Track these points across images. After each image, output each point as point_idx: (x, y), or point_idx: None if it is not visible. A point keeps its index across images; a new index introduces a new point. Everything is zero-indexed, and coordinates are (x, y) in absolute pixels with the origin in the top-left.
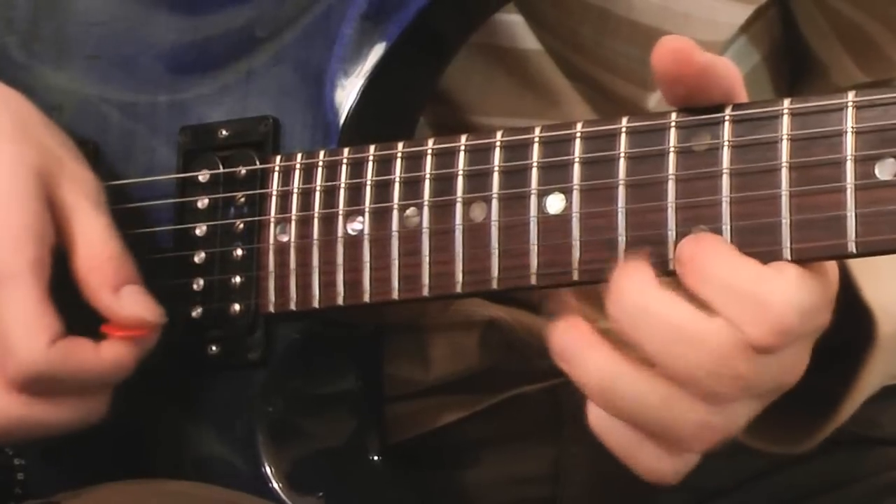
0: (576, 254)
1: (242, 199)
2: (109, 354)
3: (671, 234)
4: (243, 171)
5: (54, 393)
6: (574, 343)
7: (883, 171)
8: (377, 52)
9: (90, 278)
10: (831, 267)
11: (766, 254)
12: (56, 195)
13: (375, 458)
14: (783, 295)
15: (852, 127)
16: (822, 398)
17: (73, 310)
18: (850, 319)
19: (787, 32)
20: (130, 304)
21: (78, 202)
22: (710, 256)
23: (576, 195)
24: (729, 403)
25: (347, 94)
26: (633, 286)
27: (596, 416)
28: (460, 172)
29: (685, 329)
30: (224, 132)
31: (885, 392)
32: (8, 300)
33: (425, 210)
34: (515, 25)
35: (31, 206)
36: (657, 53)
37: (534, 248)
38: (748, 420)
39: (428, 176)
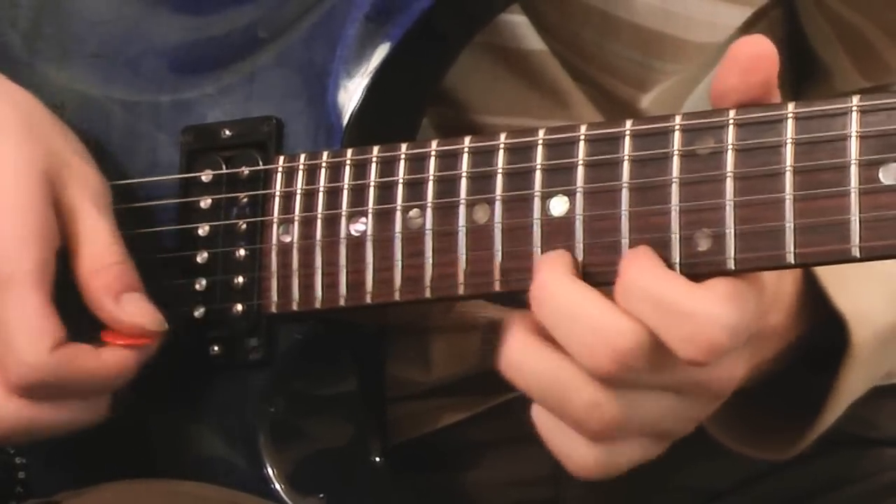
0: (579, 256)
1: (245, 200)
2: (111, 361)
3: (675, 237)
4: (246, 171)
5: (56, 397)
6: (509, 324)
7: (887, 176)
8: (381, 52)
9: (92, 283)
10: (769, 275)
11: (770, 258)
12: (62, 197)
13: (377, 459)
14: (711, 312)
15: (857, 131)
16: (807, 404)
17: (76, 311)
18: (826, 327)
19: (792, 35)
20: (131, 311)
21: (83, 205)
22: (639, 270)
23: (579, 198)
24: (626, 389)
25: (351, 94)
26: (547, 268)
27: (534, 407)
28: (464, 174)
29: (582, 309)
30: (227, 132)
31: (881, 392)
32: (11, 304)
33: (428, 211)
34: (520, 26)
35: (37, 209)
36: (743, 41)
37: (537, 251)
38: (675, 419)
39: (431, 177)
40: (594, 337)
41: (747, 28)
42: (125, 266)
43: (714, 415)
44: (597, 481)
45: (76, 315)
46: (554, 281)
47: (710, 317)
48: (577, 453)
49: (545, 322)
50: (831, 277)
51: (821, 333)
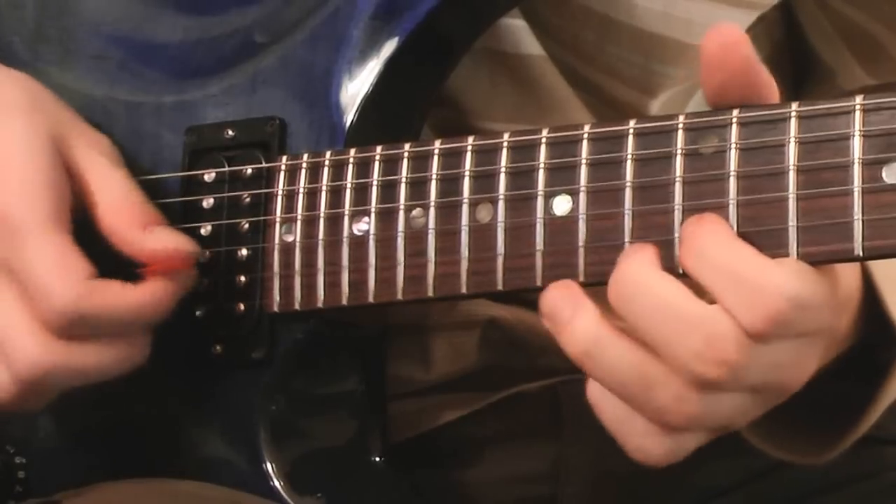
0: (582, 255)
1: (248, 199)
2: (147, 291)
3: (678, 237)
4: (249, 170)
5: (93, 336)
6: (563, 302)
7: (890, 175)
8: (384, 53)
9: (116, 224)
10: (843, 271)
11: (773, 256)
12: (71, 157)
13: (377, 458)
14: (779, 283)
15: (860, 130)
16: (845, 409)
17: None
18: (876, 335)
19: (791, 35)
20: (162, 238)
21: (93, 160)
22: (709, 237)
23: (582, 197)
24: (712, 387)
25: (354, 95)
26: (634, 262)
27: (592, 389)
28: (467, 173)
29: (677, 308)
30: (230, 132)
31: None
32: (31, 248)
33: (431, 211)
34: (519, 31)
35: (46, 165)
36: (708, 36)
37: (540, 250)
38: (743, 415)
39: (434, 177)
40: (691, 333)
41: (745, 30)
42: (145, 205)
43: None
44: (595, 479)
45: (108, 275)
46: (645, 275)
47: (776, 286)
48: (649, 442)
49: (632, 316)
50: (890, 288)
51: (861, 340)
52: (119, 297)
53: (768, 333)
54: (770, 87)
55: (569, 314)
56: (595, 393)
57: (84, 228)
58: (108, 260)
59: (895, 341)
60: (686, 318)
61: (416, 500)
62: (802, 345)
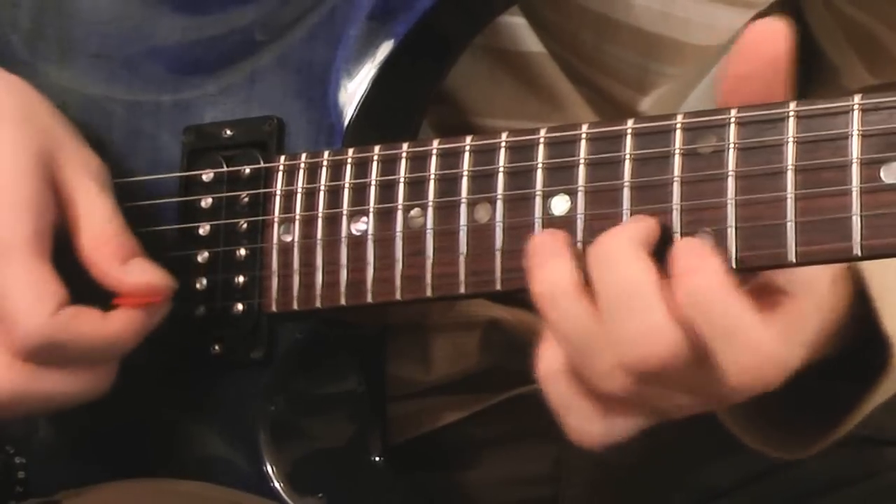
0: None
1: (246, 199)
2: (117, 322)
3: (676, 236)
4: (247, 170)
5: (60, 363)
6: (546, 247)
7: (889, 175)
8: (382, 52)
9: (96, 255)
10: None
11: (771, 256)
12: (59, 176)
13: (377, 458)
14: (774, 350)
15: (858, 130)
16: (831, 407)
17: (83, 294)
18: (868, 341)
19: (800, 36)
20: (139, 272)
21: (81, 182)
22: (706, 282)
23: (580, 197)
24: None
25: (352, 94)
26: (620, 233)
27: (542, 366)
28: (465, 173)
29: (638, 291)
30: (228, 132)
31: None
32: (10, 270)
33: (429, 211)
34: (519, 28)
35: (31, 183)
36: (752, 26)
37: None
38: (677, 409)
39: (433, 176)
40: (635, 319)
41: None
42: (126, 237)
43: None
44: (596, 481)
45: (84, 297)
46: (622, 249)
47: (772, 354)
48: (587, 423)
49: (599, 283)
50: (882, 295)
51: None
52: (90, 327)
53: (751, 392)
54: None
55: (547, 257)
56: (545, 369)
57: (64, 246)
58: (85, 280)
59: (885, 345)
60: (640, 303)
61: (416, 502)
62: None
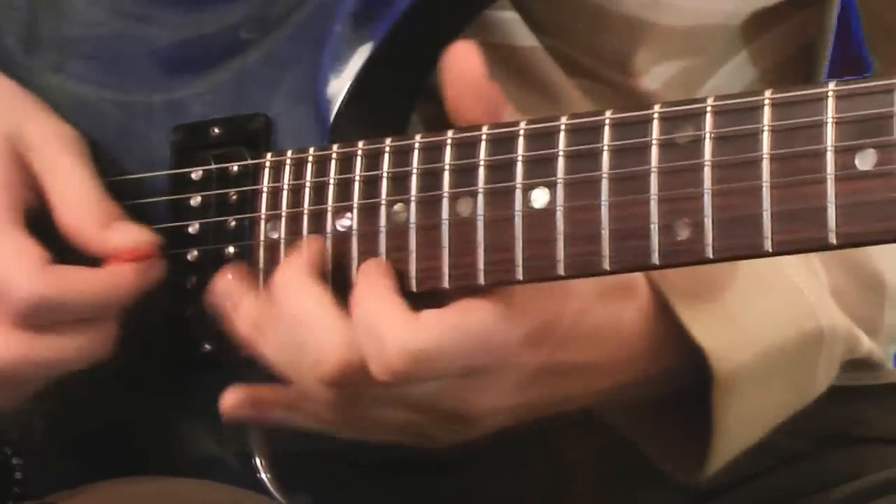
0: (560, 248)
1: (234, 197)
2: (108, 275)
3: (654, 227)
4: (235, 168)
5: (57, 325)
6: (233, 291)
7: (863, 162)
8: (367, 48)
9: (77, 223)
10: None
11: (747, 246)
12: (29, 153)
13: (368, 458)
14: (401, 340)
15: (833, 117)
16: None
17: None
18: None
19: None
20: (122, 234)
21: (53, 155)
22: (364, 284)
23: (560, 189)
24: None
25: (338, 90)
26: (288, 265)
27: None
28: (446, 167)
29: (309, 319)
30: (217, 130)
31: (865, 392)
32: None
33: (412, 205)
34: (511, 23)
35: None
36: (449, 57)
37: (519, 243)
38: (401, 430)
39: (415, 171)
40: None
41: (748, 41)
42: (106, 202)
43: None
44: (596, 481)
45: None
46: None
47: (395, 341)
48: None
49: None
50: (693, 309)
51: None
52: (82, 280)
53: (390, 382)
54: (494, 98)
55: (237, 298)
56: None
57: (45, 228)
58: (71, 257)
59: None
60: (307, 328)
61: (410, 500)
62: (462, 380)
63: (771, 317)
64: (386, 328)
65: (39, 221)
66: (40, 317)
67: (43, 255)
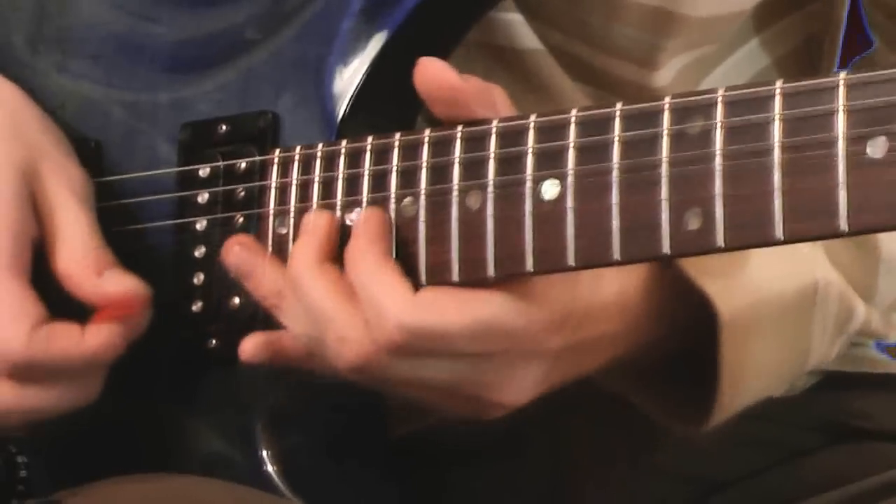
0: (571, 239)
1: (242, 193)
2: (95, 336)
3: (665, 217)
4: (243, 164)
5: (44, 378)
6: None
7: (874, 150)
8: (375, 45)
9: (71, 268)
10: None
11: (759, 235)
12: (40, 188)
13: (373, 453)
14: (394, 312)
15: (844, 106)
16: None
17: (60, 309)
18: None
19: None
20: (113, 283)
21: (62, 199)
22: (362, 247)
23: (570, 181)
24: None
25: (346, 88)
26: (298, 255)
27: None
28: (456, 160)
29: (325, 310)
30: (224, 127)
31: (871, 382)
32: None
33: (422, 199)
34: (514, 25)
35: (12, 202)
36: (417, 75)
37: (529, 235)
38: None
39: (424, 165)
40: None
41: (760, 28)
42: (102, 251)
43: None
44: (597, 478)
45: (61, 308)
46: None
47: (391, 315)
48: None
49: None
50: (694, 260)
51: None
52: (69, 344)
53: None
54: (486, 93)
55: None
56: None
57: (43, 260)
58: (62, 292)
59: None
60: (325, 317)
61: (412, 497)
62: (479, 362)
63: (770, 267)
64: (385, 297)
65: (39, 254)
66: (30, 374)
67: (37, 314)
